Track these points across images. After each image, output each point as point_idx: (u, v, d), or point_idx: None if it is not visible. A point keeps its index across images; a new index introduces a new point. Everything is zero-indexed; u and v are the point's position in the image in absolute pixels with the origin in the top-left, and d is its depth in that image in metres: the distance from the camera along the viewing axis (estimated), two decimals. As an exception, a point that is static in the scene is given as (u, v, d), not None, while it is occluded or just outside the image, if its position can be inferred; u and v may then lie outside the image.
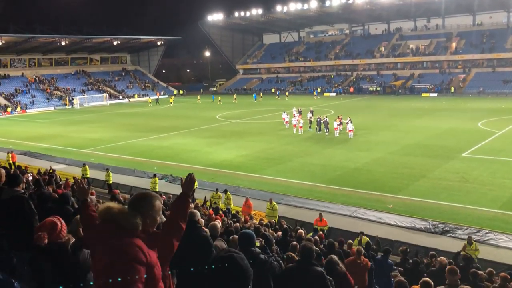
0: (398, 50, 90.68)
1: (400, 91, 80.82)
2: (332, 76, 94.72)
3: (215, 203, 19.87)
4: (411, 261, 11.44)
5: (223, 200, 20.35)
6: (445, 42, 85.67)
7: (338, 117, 39.35)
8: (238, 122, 50.29)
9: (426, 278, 7.66)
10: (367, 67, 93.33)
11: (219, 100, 76.82)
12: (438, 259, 11.32)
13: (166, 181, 25.87)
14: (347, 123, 37.78)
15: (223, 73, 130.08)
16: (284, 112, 44.34)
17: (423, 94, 76.54)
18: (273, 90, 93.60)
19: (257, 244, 5.81)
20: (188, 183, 3.98)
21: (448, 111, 52.02)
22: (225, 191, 20.59)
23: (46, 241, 3.85)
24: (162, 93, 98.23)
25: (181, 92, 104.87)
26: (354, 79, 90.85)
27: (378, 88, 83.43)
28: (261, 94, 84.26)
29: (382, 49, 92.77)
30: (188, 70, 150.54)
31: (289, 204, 20.90)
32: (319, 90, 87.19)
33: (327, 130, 39.10)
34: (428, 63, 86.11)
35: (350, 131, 37.20)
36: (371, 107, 59.80)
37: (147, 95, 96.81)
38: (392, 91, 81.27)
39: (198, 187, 24.70)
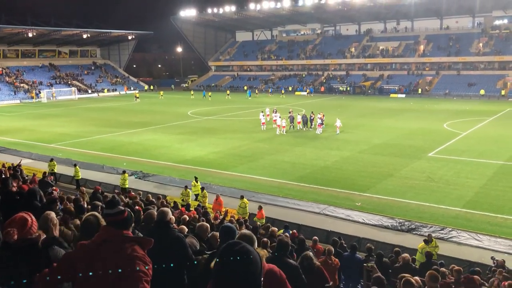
0: (368, 51, 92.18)
1: (369, 91, 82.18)
2: (304, 75, 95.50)
3: (182, 200, 19.75)
4: (375, 256, 11.68)
5: (192, 197, 20.27)
6: (413, 45, 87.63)
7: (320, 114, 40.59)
8: (210, 119, 50.08)
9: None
10: (338, 67, 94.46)
11: (209, 96, 76.68)
12: (402, 255, 11.62)
13: (136, 178, 25.56)
14: (319, 118, 39.30)
15: (195, 69, 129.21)
16: (261, 112, 44.17)
17: (392, 95, 78.08)
18: (245, 87, 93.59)
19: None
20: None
21: (416, 112, 53.28)
22: (202, 189, 20.54)
23: (15, 237, 3.77)
24: (132, 88, 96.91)
25: (151, 87, 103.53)
26: (325, 79, 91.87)
27: (348, 88, 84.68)
28: (256, 91, 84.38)
29: (353, 49, 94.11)
30: (159, 66, 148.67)
31: (260, 201, 20.92)
32: (289, 89, 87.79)
33: (305, 126, 41.20)
34: (397, 64, 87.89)
35: (337, 127, 38.94)
36: (341, 107, 60.62)
37: (115, 90, 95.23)
38: (361, 91, 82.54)
39: (169, 183, 24.57)
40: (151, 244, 3.45)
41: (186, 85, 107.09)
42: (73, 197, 12.17)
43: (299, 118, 41.77)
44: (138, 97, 77.82)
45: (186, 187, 20.77)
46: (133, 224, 3.75)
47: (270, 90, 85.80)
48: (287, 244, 5.64)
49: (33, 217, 3.99)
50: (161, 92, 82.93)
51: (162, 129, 43.27)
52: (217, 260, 2.59)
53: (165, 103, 71.74)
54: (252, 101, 71.60)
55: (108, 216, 3.60)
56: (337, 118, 39.45)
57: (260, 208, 17.89)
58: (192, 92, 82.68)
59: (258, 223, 16.09)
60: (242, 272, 2.44)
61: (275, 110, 44.85)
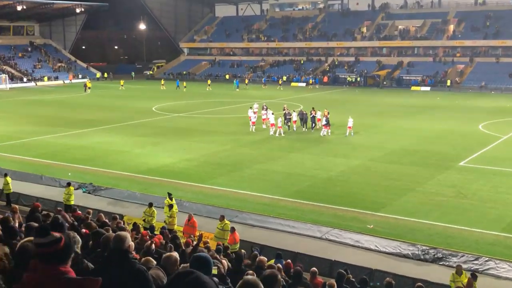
0: (383, 31, 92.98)
1: (385, 83, 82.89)
2: (302, 62, 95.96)
3: (144, 221, 19.58)
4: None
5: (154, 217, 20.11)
6: (441, 24, 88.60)
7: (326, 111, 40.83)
8: (181, 117, 50.02)
9: None
10: (345, 51, 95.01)
11: (184, 87, 76.91)
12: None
13: (84, 192, 25.36)
14: (324, 117, 39.56)
15: (163, 52, 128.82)
16: (250, 108, 44.08)
17: (413, 88, 78.85)
18: (227, 76, 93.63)
19: (214, 271, 5.70)
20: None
21: (443, 110, 53.85)
22: (171, 207, 20.38)
23: None
24: (77, 76, 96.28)
25: (105, 75, 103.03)
26: (329, 67, 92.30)
27: (358, 79, 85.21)
28: (246, 81, 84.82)
29: (364, 29, 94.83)
30: (116, 48, 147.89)
31: (245, 222, 20.95)
32: (284, 78, 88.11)
33: (305, 125, 41.73)
34: (420, 49, 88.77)
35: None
36: (349, 102, 60.93)
37: (58, 78, 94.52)
38: (375, 83, 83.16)
39: (127, 199, 24.41)
40: (98, 285, 3.40)
41: (151, 72, 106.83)
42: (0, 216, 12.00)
43: (294, 117, 42.00)
44: (89, 87, 77.47)
45: (150, 204, 20.59)
46: (73, 255, 3.67)
47: (263, 80, 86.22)
48: (276, 278, 5.51)
49: None
50: (122, 82, 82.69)
51: (119, 129, 43.06)
52: None
53: (123, 95, 71.42)
54: (240, 94, 71.68)
55: (39, 246, 3.52)
56: (349, 117, 39.70)
57: (232, 230, 17.83)
58: (162, 82, 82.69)
59: (243, 251, 16.06)
60: None
61: (264, 107, 44.89)
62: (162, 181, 27.22)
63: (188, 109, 55.47)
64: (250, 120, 41.98)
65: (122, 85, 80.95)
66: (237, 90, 76.80)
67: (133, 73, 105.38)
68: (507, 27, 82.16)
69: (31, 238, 4.79)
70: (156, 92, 74.77)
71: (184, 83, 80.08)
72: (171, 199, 20.90)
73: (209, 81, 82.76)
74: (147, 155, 33.27)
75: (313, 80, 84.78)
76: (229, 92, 74.47)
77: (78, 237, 6.85)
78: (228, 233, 18.51)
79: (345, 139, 37.80)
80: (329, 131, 39.24)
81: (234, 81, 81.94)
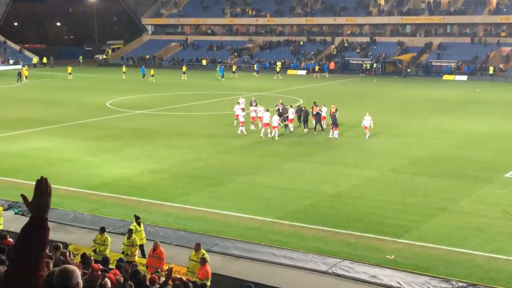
0: (407, 4, 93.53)
1: (408, 70, 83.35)
2: (302, 44, 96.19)
3: (95, 251, 19.43)
4: None
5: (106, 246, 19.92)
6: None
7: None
8: (145, 114, 49.98)
9: None
10: (358, 30, 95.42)
11: (152, 76, 76.89)
12: None
13: (16, 213, 25.17)
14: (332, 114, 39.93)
15: (120, 31, 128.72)
16: (238, 103, 43.69)
17: (445, 77, 79.38)
18: (204, 62, 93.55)
19: None
20: (39, 195, 3.84)
21: (484, 105, 54.13)
22: (130, 233, 20.20)
23: None
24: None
25: (44, 60, 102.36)
26: (336, 50, 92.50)
27: (375, 65, 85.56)
28: (233, 68, 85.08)
29: (382, 1, 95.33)
30: (58, 25, 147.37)
31: (228, 252, 20.87)
32: (279, 65, 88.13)
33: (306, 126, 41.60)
34: (454, 27, 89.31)
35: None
36: (362, 96, 61.04)
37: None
38: (396, 71, 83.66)
39: (73, 223, 24.19)
40: None
41: (104, 57, 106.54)
42: None
43: (291, 114, 41.94)
44: (26, 77, 77.14)
45: (102, 229, 20.43)
46: None
47: (256, 67, 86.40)
48: None
49: None
50: (69, 69, 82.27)
51: (63, 130, 42.87)
52: None
53: (68, 87, 71.18)
54: (224, 84, 71.74)
55: None
56: (367, 114, 39.62)
57: (203, 262, 17.74)
58: (124, 69, 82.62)
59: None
60: None
61: (253, 102, 44.80)
62: (120, 199, 27.04)
63: (154, 104, 55.37)
64: (238, 119, 41.96)
65: (69, 73, 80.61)
66: (222, 79, 76.83)
67: (81, 57, 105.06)
68: None
69: None
70: (111, 83, 74.57)
71: (152, 70, 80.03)
72: (138, 224, 20.73)
73: (184, 68, 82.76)
74: (100, 165, 33.08)
75: (319, 67, 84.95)
76: (211, 82, 74.55)
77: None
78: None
79: (358, 143, 37.87)
80: (337, 132, 39.36)
81: (218, 68, 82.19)
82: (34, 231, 3.73)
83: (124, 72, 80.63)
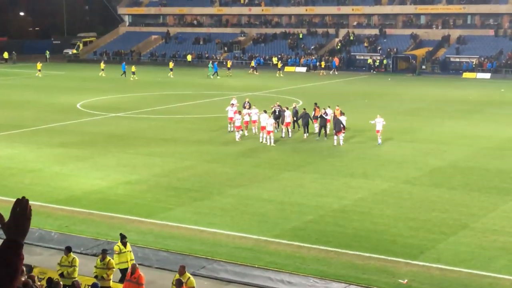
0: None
1: (423, 67, 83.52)
2: (301, 36, 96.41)
3: (63, 275, 19.37)
4: None
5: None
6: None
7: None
8: (121, 118, 49.96)
9: None
10: (365, 21, 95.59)
11: (133, 73, 77.23)
12: None
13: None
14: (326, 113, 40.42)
15: (93, 22, 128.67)
16: (231, 104, 43.52)
17: (466, 74, 79.52)
18: (189, 57, 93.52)
19: None
20: (18, 217, 3.80)
21: (510, 107, 54.23)
22: (104, 252, 20.13)
23: None
24: None
25: (5, 55, 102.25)
26: (340, 44, 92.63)
27: (385, 62, 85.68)
28: (228, 65, 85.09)
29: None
30: (21, 14, 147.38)
31: (216, 276, 20.83)
32: (275, 61, 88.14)
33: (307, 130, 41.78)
34: (476, 17, 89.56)
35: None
36: (370, 96, 61.07)
37: None
38: (409, 68, 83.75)
39: (39, 243, 24.06)
40: None
41: (74, 51, 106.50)
42: None
43: (288, 117, 41.84)
44: (39, 70, 78.56)
45: (68, 249, 20.36)
46: None
47: (254, 64, 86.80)
48: None
49: None
50: (39, 65, 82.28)
51: (27, 136, 42.76)
52: None
53: (33, 86, 71.08)
54: (215, 83, 71.67)
55: None
56: (378, 116, 39.73)
57: (179, 284, 17.70)
58: (102, 66, 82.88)
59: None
60: None
61: (247, 103, 44.66)
62: (92, 215, 26.90)
63: (132, 106, 55.34)
64: (233, 123, 42.10)
65: (39, 70, 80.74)
66: (217, 77, 77.35)
67: (47, 52, 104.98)
68: None
69: None
70: (83, 81, 74.48)
71: (133, 67, 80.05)
72: (124, 244, 20.46)
73: (171, 64, 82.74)
74: (69, 175, 32.96)
75: (325, 63, 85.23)
76: (199, 80, 74.70)
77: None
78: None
79: (366, 151, 37.79)
80: (341, 138, 39.43)
81: (210, 65, 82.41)
82: (7, 257, 3.67)
83: (103, 69, 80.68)
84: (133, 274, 18.99)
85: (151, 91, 65.06)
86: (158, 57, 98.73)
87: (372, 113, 41.61)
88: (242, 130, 41.18)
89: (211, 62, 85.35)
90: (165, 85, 70.14)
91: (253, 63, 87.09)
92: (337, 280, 20.52)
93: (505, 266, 21.37)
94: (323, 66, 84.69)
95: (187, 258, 21.57)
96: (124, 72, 78.55)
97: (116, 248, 20.42)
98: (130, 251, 20.49)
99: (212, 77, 77.17)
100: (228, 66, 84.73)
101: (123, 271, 20.09)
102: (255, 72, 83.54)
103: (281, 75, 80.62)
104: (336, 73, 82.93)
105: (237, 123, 41.20)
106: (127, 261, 20.14)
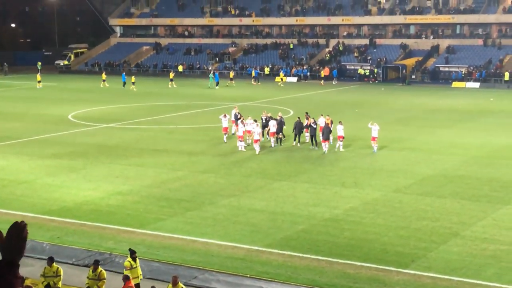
0: (410, 2, 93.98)
1: (413, 77, 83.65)
2: (292, 47, 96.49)
3: (49, 285, 19.28)
4: None
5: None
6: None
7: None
8: (112, 128, 49.84)
9: None
10: (355, 31, 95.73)
11: (133, 83, 77.44)
12: None
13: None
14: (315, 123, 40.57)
15: (84, 33, 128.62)
16: (224, 115, 43.44)
17: (455, 84, 79.62)
18: (180, 68, 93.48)
19: None
20: (14, 239, 3.87)
21: (500, 116, 54.27)
22: (96, 263, 20.04)
23: None
24: None
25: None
26: (329, 54, 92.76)
27: (375, 71, 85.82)
28: (231, 75, 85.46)
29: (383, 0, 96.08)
30: (13, 26, 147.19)
31: (209, 287, 20.77)
32: (266, 71, 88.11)
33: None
34: (465, 27, 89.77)
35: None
36: (361, 105, 61.11)
37: None
38: (399, 77, 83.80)
39: (30, 254, 23.95)
40: None
41: (66, 62, 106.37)
42: None
43: (272, 127, 41.81)
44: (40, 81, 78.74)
45: (51, 260, 20.29)
46: None
47: (254, 74, 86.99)
48: None
49: None
50: (39, 76, 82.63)
51: (18, 147, 42.68)
52: None
53: (24, 97, 70.88)
54: (210, 94, 71.67)
55: None
56: (374, 124, 39.95)
57: None
58: (104, 77, 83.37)
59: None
60: None
61: (237, 114, 44.33)
62: (84, 225, 26.78)
63: (124, 116, 55.28)
64: (227, 133, 42.67)
65: (39, 81, 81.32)
66: (216, 87, 77.63)
67: (39, 64, 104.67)
68: None
69: None
70: (74, 92, 74.38)
71: (133, 77, 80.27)
72: (134, 259, 20.22)
73: (171, 75, 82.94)
74: (61, 186, 32.82)
75: (323, 73, 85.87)
76: (193, 90, 74.74)
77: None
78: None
79: (357, 160, 37.77)
80: (327, 145, 39.87)
81: (211, 75, 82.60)
82: (5, 276, 3.71)
83: (104, 80, 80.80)
84: (126, 285, 18.93)
85: (139, 101, 64.86)
86: (150, 67, 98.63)
87: (363, 123, 41.71)
88: (242, 140, 40.85)
89: (212, 72, 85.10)
90: (156, 97, 69.91)
91: (254, 73, 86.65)
92: (329, 289, 20.55)
93: (496, 274, 21.37)
94: (323, 76, 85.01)
95: (179, 268, 21.53)
96: (124, 83, 78.70)
97: (127, 264, 20.21)
98: (139, 267, 20.35)
99: (216, 87, 77.34)
100: (231, 76, 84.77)
101: (136, 286, 19.98)
102: (254, 83, 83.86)
103: (281, 85, 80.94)
104: (335, 82, 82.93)
105: (240, 133, 41.04)
106: (138, 276, 20.04)
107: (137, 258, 20.24)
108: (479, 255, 23.10)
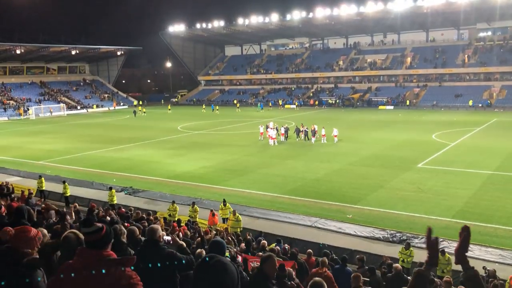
0: (356, 64, 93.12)
1: (358, 103, 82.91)
2: (293, 89, 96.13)
3: (170, 215, 19.53)
4: (367, 267, 11.66)
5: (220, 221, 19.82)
6: (400, 57, 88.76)
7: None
8: (200, 133, 50.05)
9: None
10: (327, 80, 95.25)
11: (217, 110, 77.81)
12: (394, 265, 11.68)
13: (126, 194, 25.33)
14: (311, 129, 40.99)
15: (185, 84, 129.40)
16: (267, 126, 43.54)
17: (380, 107, 78.81)
18: (235, 101, 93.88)
19: (227, 254, 5.70)
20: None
21: (404, 124, 53.76)
22: (193, 204, 20.30)
23: (8, 237, 3.81)
24: (120, 103, 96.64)
25: (140, 102, 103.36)
26: (314, 92, 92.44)
27: (337, 101, 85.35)
28: (270, 104, 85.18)
29: (341, 62, 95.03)
30: (148, 81, 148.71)
31: (251, 215, 20.90)
32: (280, 102, 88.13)
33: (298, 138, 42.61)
34: (385, 76, 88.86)
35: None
36: (330, 119, 61.01)
37: (103, 105, 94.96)
38: (350, 104, 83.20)
39: (159, 199, 24.33)
40: (133, 261, 3.35)
41: (176, 99, 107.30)
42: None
43: (282, 130, 42.84)
44: (144, 112, 79.12)
45: (173, 202, 20.61)
46: (112, 241, 3.53)
47: (282, 103, 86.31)
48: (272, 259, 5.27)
49: (41, 233, 4.01)
50: (169, 106, 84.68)
51: (152, 144, 43.07)
52: (194, 274, 2.52)
53: (153, 118, 71.61)
54: (262, 114, 70.97)
55: (86, 235, 3.42)
56: (334, 129, 40.69)
57: (213, 214, 18.24)
58: (204, 106, 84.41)
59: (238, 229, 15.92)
60: (218, 284, 2.42)
61: (268, 126, 43.73)
62: (186, 184, 27.18)
63: (207, 127, 55.45)
64: (262, 136, 42.88)
65: (169, 109, 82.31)
66: (261, 111, 76.98)
67: (162, 100, 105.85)
68: (452, 58, 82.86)
69: (73, 230, 4.75)
70: (181, 115, 75.01)
71: (217, 106, 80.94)
72: (224, 205, 20.05)
73: (237, 104, 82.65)
74: (174, 164, 33.20)
75: (298, 103, 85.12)
76: (247, 113, 74.45)
77: (124, 229, 6.83)
78: (240, 223, 18.37)
79: (328, 148, 37.76)
80: (314, 140, 40.12)
81: (258, 104, 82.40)
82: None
83: (204, 109, 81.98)
84: (214, 217, 19.03)
85: (213, 119, 65.21)
86: (220, 102, 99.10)
87: (331, 127, 41.51)
88: (272, 139, 40.36)
89: (259, 102, 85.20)
90: (220, 116, 70.21)
91: (296, 103, 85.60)
92: (314, 216, 20.56)
93: (403, 207, 21.33)
94: (316, 104, 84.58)
95: (236, 205, 21.47)
96: (213, 109, 79.10)
97: (220, 206, 20.23)
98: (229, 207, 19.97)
99: (261, 111, 76.73)
100: (270, 105, 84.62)
101: (225, 220, 19.69)
102: (281, 107, 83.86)
103: (297, 109, 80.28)
104: (325, 108, 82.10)
105: (273, 135, 40.43)
106: (227, 214, 19.67)
107: (226, 203, 20.19)
108: (394, 197, 23.02)
